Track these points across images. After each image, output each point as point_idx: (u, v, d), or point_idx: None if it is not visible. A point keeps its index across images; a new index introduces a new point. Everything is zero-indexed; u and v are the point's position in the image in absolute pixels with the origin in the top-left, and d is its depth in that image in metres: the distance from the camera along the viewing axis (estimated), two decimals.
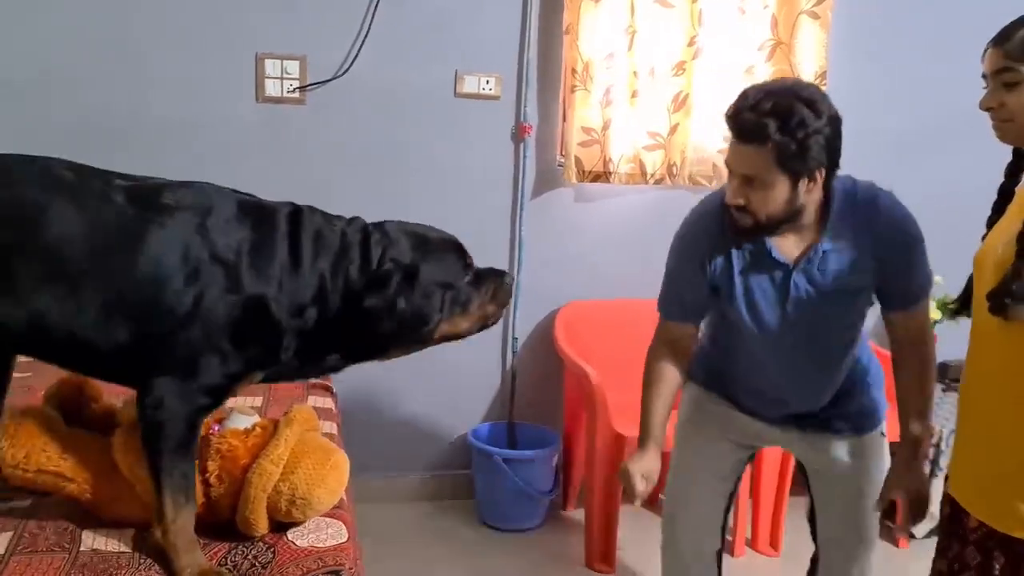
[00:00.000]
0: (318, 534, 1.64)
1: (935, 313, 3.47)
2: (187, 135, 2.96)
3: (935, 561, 1.69)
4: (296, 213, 1.60)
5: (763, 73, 3.30)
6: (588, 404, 2.97)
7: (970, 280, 1.62)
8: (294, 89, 3.04)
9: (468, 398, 3.39)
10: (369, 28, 3.02)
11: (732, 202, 1.80)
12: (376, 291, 1.56)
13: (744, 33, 3.28)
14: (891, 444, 2.07)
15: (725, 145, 3.31)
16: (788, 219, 1.80)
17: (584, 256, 3.37)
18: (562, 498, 3.39)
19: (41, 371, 2.01)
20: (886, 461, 2.06)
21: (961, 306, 1.65)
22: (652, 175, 3.25)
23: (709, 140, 3.34)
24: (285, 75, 3.03)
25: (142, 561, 1.54)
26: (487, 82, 3.17)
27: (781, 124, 1.68)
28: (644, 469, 1.94)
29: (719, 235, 1.89)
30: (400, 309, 1.57)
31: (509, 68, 3.19)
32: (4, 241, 1.43)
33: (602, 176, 3.22)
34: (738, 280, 1.90)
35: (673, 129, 3.24)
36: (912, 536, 3.20)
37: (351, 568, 1.54)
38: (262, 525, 1.59)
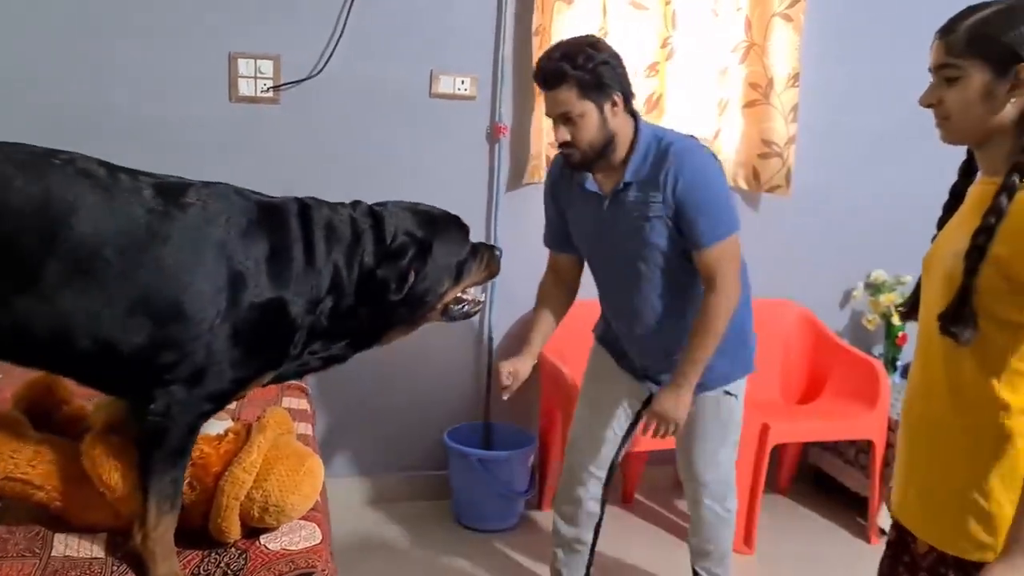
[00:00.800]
0: (291, 536, 1.63)
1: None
2: (159, 134, 2.93)
3: None
4: (305, 209, 1.63)
5: (737, 74, 3.33)
6: (563, 404, 2.98)
7: (919, 283, 1.58)
8: (268, 89, 3.02)
9: (444, 399, 3.38)
10: (344, 28, 3.01)
11: (560, 140, 2.17)
12: (390, 262, 1.63)
13: (717, 35, 3.30)
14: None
15: None
16: (606, 147, 2.17)
17: None
18: (538, 498, 3.40)
19: (9, 372, 1.98)
20: (728, 418, 2.44)
21: (910, 309, 1.61)
22: None
23: None
24: (259, 75, 3.01)
25: (116, 567, 1.51)
26: (462, 82, 3.17)
27: (572, 62, 2.09)
28: (512, 367, 2.33)
29: (560, 175, 2.35)
30: (411, 280, 1.64)
31: (484, 68, 3.19)
32: (33, 236, 1.39)
33: None
34: (573, 210, 2.34)
35: None
36: (883, 532, 3.24)
37: (323, 570, 1.54)
38: (234, 532, 1.57)
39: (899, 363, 3.61)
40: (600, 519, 2.57)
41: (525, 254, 3.32)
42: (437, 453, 3.36)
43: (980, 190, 1.45)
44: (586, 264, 2.44)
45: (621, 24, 3.18)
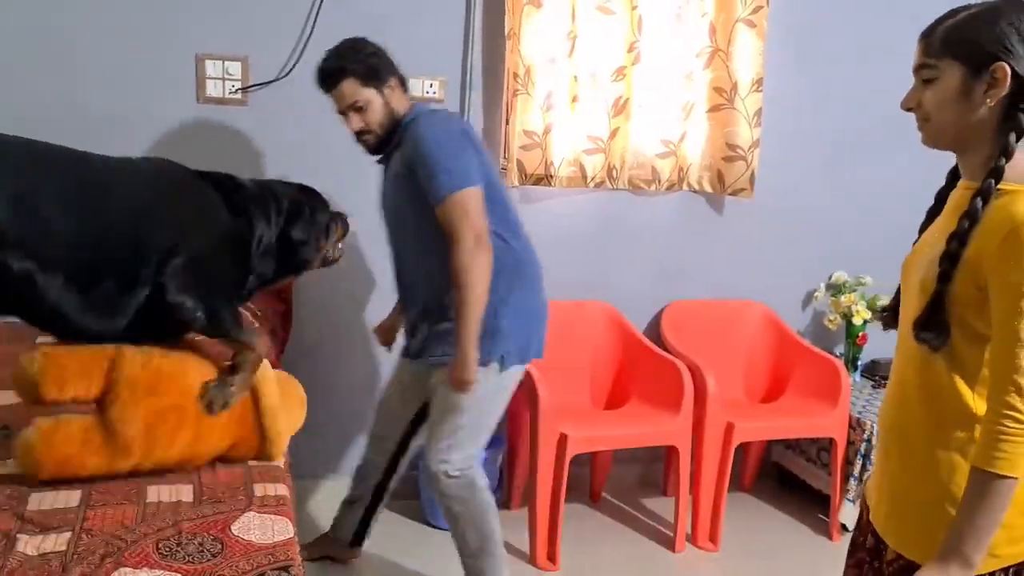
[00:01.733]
0: (264, 530, 1.65)
1: (865, 313, 3.59)
2: (125, 134, 2.91)
3: None
4: (228, 175, 2.14)
5: (702, 79, 3.38)
6: (531, 404, 3.01)
7: (899, 290, 1.56)
8: (236, 90, 3.02)
9: None
10: (312, 30, 3.01)
11: (355, 128, 2.47)
12: (295, 221, 2.15)
13: (682, 40, 3.35)
14: None
15: (665, 149, 3.41)
16: (395, 127, 2.46)
17: None
18: (506, 497, 3.42)
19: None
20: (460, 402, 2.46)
21: (889, 318, 1.59)
22: (592, 178, 3.30)
23: (648, 144, 3.41)
24: (227, 76, 3.01)
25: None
26: (431, 85, 3.18)
27: (346, 60, 2.43)
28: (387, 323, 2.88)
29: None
30: (312, 233, 2.19)
31: (453, 72, 3.21)
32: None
33: (544, 179, 3.26)
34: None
35: (613, 133, 3.29)
36: (844, 528, 3.31)
37: (300, 565, 1.56)
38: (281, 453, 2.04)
39: (860, 362, 3.68)
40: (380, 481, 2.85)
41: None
42: None
43: (960, 195, 1.44)
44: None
45: (589, 28, 3.21)
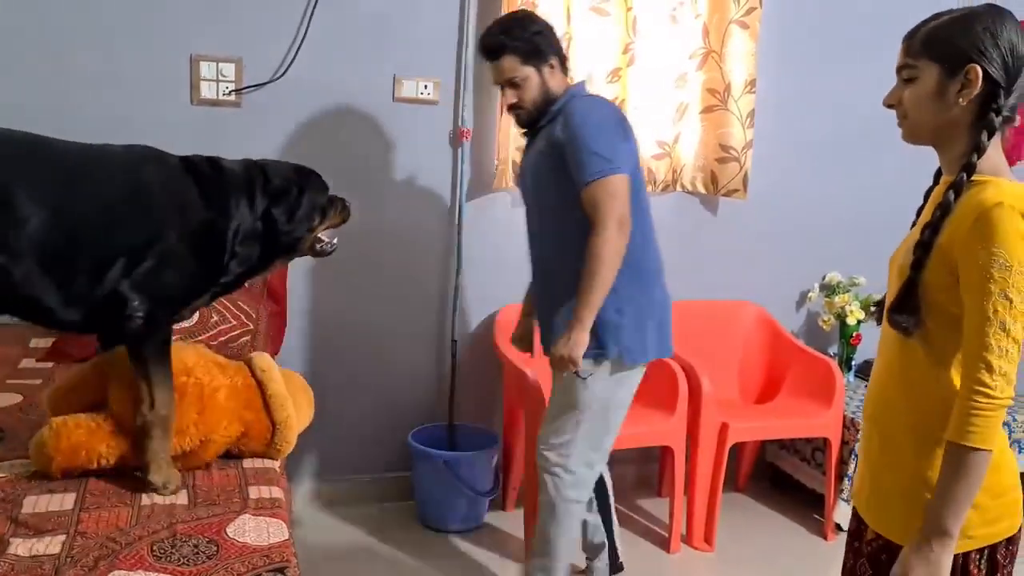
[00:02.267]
0: (259, 532, 1.65)
1: (859, 313, 3.61)
2: (120, 136, 2.85)
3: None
4: (210, 158, 2.05)
5: (695, 80, 3.39)
6: (527, 405, 3.01)
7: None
8: (230, 92, 3.02)
9: (408, 400, 3.40)
10: (306, 31, 3.01)
11: (509, 102, 2.47)
12: (280, 201, 2.07)
13: (677, 41, 3.36)
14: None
15: (659, 151, 3.42)
16: (548, 104, 2.43)
17: (522, 259, 3.40)
18: (502, 498, 3.42)
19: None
20: (572, 402, 2.45)
21: (880, 312, 1.64)
22: None
23: (644, 145, 3.40)
24: (221, 77, 3.01)
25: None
26: (425, 86, 3.19)
27: (510, 34, 2.41)
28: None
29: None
30: (297, 214, 2.10)
31: (448, 73, 3.21)
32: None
33: None
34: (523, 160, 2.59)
35: None
36: (839, 528, 3.32)
37: (296, 566, 1.56)
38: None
39: (854, 362, 3.69)
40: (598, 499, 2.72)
41: (487, 257, 3.37)
42: (402, 454, 3.37)
43: (939, 190, 1.51)
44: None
45: (584, 30, 3.22)
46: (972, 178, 1.42)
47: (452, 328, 3.37)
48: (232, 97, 3.02)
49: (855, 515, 1.64)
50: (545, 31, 2.45)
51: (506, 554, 3.11)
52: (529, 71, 2.41)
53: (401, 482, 3.39)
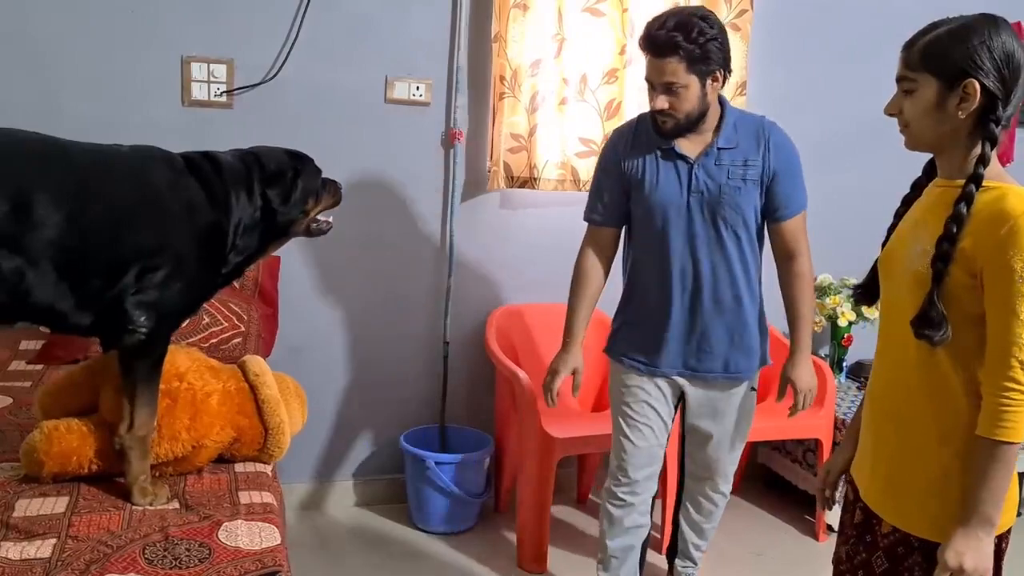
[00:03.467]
0: (251, 537, 1.65)
1: (850, 315, 3.62)
2: (110, 137, 2.85)
3: (838, 567, 1.72)
4: (207, 155, 2.04)
5: None
6: (519, 406, 3.01)
7: (874, 268, 1.68)
8: (221, 93, 3.01)
9: (399, 402, 3.39)
10: (298, 32, 3.01)
11: (659, 107, 2.24)
12: (276, 182, 2.08)
13: None
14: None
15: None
16: (701, 117, 2.27)
17: (514, 261, 3.41)
18: (494, 500, 3.42)
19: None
20: (751, 411, 2.52)
21: (863, 295, 1.71)
22: (585, 181, 3.30)
23: None
24: (212, 78, 3.00)
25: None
26: (417, 88, 3.18)
27: (686, 35, 2.16)
28: (569, 367, 2.47)
29: (632, 142, 2.39)
30: (293, 196, 2.10)
31: (439, 74, 3.21)
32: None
33: (528, 182, 3.26)
34: (650, 173, 2.35)
35: (606, 136, 3.30)
36: (831, 529, 3.32)
37: (288, 570, 1.56)
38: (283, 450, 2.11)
39: (845, 363, 3.70)
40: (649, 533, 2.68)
41: (479, 258, 3.37)
42: (393, 457, 3.37)
43: (938, 192, 1.55)
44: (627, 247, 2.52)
45: (579, 31, 3.22)
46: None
47: (444, 330, 3.36)
48: (223, 98, 3.01)
49: (864, 509, 1.65)
50: (720, 36, 2.23)
51: (498, 556, 3.11)
52: (692, 80, 2.20)
53: (393, 484, 3.39)
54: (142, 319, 1.81)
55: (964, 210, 1.44)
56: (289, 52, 3.01)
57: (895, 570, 1.57)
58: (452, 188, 3.27)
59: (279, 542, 1.64)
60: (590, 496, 3.59)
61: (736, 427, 2.53)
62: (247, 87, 3.01)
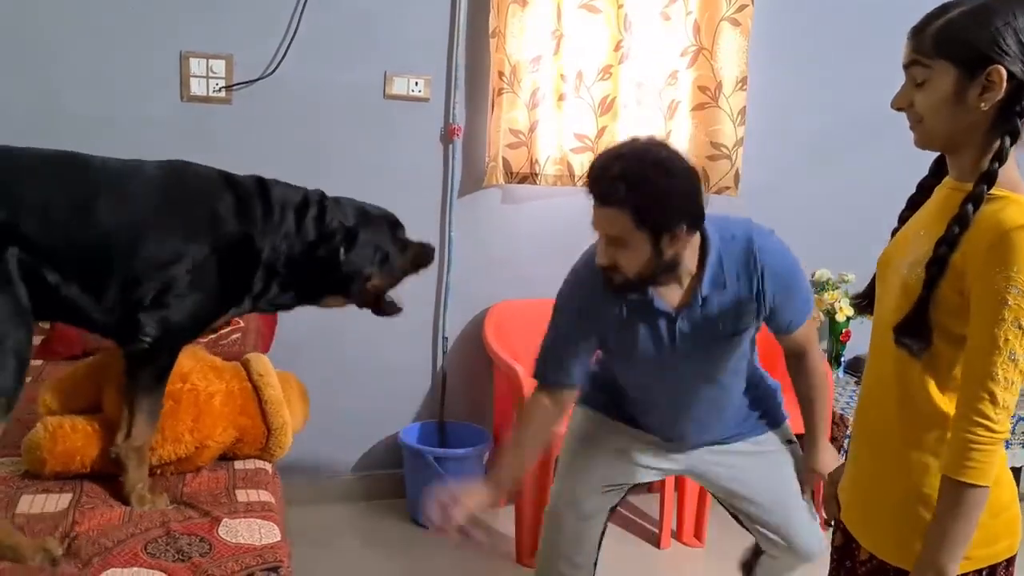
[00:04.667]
0: (251, 533, 1.65)
1: (848, 310, 3.62)
2: (109, 134, 2.88)
3: None
4: (262, 180, 2.01)
5: (686, 78, 3.39)
6: (517, 402, 3.01)
7: (874, 278, 1.54)
8: (220, 88, 3.01)
9: (398, 398, 3.40)
10: (297, 28, 3.00)
11: (600, 263, 1.84)
12: (325, 242, 1.97)
13: (668, 39, 3.36)
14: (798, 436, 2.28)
15: None
16: (660, 272, 1.84)
17: (513, 256, 3.42)
18: None
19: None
20: (788, 447, 2.26)
21: (865, 304, 1.57)
22: (580, 177, 3.31)
23: None
24: (211, 74, 3.00)
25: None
26: (416, 84, 3.18)
27: (630, 187, 1.72)
28: (473, 502, 1.90)
29: (600, 289, 1.91)
30: (342, 259, 1.98)
31: (438, 70, 3.21)
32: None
33: (528, 178, 3.27)
34: (622, 331, 1.95)
35: (600, 132, 3.30)
36: (827, 524, 3.33)
37: (289, 566, 1.56)
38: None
39: (843, 358, 3.71)
40: None
41: (478, 254, 3.37)
42: (392, 452, 3.37)
43: (946, 194, 1.40)
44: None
45: (575, 27, 3.22)
46: (990, 191, 1.30)
47: (443, 326, 3.37)
48: (222, 94, 3.01)
49: (844, 531, 1.56)
50: (682, 187, 1.78)
51: (497, 551, 3.11)
52: (640, 237, 1.78)
53: (392, 479, 3.39)
54: (147, 328, 1.80)
55: (971, 211, 1.28)
56: (288, 48, 3.01)
57: None
58: (451, 184, 3.27)
59: (279, 539, 1.65)
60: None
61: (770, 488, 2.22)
62: (246, 83, 3.01)
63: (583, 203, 3.51)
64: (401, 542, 3.15)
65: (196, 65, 2.97)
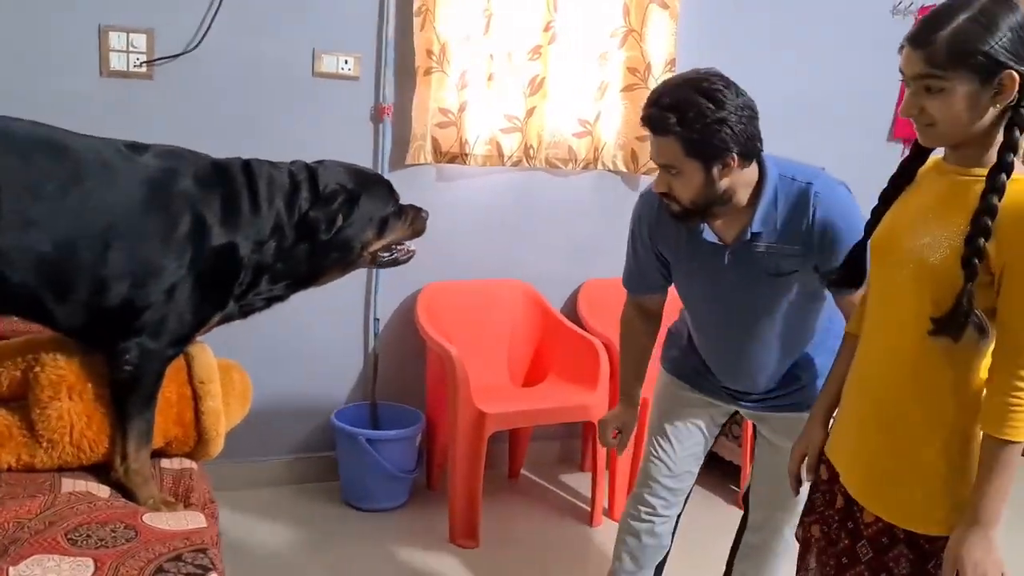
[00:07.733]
0: (176, 520, 1.63)
1: None
2: (25, 110, 2.73)
3: (811, 542, 1.71)
4: (248, 164, 1.95)
5: (616, 60, 3.41)
6: (450, 383, 3.01)
7: (855, 255, 1.65)
8: (141, 63, 2.92)
9: (330, 380, 3.37)
10: (221, 2, 2.93)
11: (657, 190, 1.93)
12: (322, 206, 1.91)
13: (598, 20, 3.37)
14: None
15: (581, 129, 3.44)
16: (714, 203, 1.89)
17: (444, 237, 3.39)
18: (426, 477, 3.43)
19: None
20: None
21: (844, 279, 1.68)
22: (509, 157, 3.31)
23: (565, 124, 3.43)
24: (131, 48, 2.90)
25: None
26: (345, 62, 3.13)
27: (680, 117, 1.78)
28: (619, 421, 2.30)
29: (657, 219, 2.06)
30: (339, 223, 1.93)
31: (368, 48, 3.17)
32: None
33: (459, 158, 3.25)
34: (677, 259, 2.09)
35: (530, 112, 3.30)
36: None
37: (217, 548, 1.54)
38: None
39: None
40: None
41: None
42: (325, 434, 3.34)
43: (952, 180, 1.47)
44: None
45: (505, 6, 3.21)
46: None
47: (374, 307, 3.34)
48: (143, 69, 2.92)
49: (844, 495, 1.64)
50: (731, 117, 1.81)
51: (431, 531, 3.12)
52: (691, 166, 1.84)
53: (324, 462, 3.36)
54: (128, 356, 1.76)
55: (996, 201, 1.36)
56: (212, 22, 2.93)
57: (880, 560, 1.55)
58: (382, 163, 3.24)
59: (206, 525, 1.63)
60: (522, 471, 3.62)
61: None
62: (168, 57, 2.93)
63: (515, 182, 3.53)
64: (334, 524, 3.13)
65: (116, 39, 2.88)
